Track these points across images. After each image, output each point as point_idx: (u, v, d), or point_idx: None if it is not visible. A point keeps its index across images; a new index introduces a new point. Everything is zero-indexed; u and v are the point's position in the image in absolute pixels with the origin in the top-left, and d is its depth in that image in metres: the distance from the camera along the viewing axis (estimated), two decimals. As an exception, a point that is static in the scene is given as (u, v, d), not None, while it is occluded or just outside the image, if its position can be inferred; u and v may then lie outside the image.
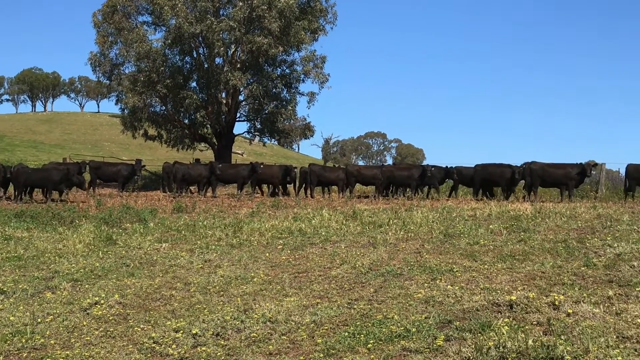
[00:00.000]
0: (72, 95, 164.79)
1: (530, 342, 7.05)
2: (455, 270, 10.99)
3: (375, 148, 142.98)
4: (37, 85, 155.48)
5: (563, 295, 8.95)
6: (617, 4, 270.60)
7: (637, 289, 9.07)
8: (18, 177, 26.60)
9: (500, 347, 7.07)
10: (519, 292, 9.26)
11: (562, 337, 7.32)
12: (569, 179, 23.94)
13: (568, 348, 6.89)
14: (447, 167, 27.59)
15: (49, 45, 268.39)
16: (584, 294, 8.99)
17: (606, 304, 8.52)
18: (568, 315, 8.13)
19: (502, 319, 8.18)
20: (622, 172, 26.91)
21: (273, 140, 48.54)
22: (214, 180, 29.71)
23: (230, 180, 31.03)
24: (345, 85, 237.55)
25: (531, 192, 24.51)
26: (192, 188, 32.10)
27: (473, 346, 7.24)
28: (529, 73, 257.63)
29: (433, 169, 27.25)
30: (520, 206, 19.29)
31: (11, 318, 10.23)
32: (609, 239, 12.59)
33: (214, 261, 13.50)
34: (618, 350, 6.86)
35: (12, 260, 14.53)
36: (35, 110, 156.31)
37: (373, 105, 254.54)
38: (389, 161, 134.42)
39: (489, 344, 7.17)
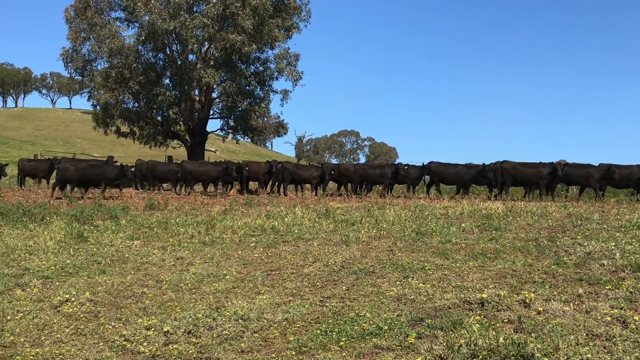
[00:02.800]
0: (44, 91, 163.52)
1: (501, 339, 7.10)
2: (427, 268, 11.03)
3: (348, 146, 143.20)
4: (8, 81, 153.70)
5: (534, 293, 9.02)
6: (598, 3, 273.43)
7: (606, 287, 9.17)
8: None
9: (472, 345, 7.12)
10: (490, 290, 9.32)
11: (533, 334, 7.39)
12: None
13: (538, 345, 6.95)
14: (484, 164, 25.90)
15: (20, 40, 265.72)
16: (555, 292, 9.07)
17: (576, 302, 8.60)
18: (538, 313, 8.20)
19: (473, 316, 8.24)
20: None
21: (246, 137, 48.45)
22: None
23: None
24: (319, 83, 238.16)
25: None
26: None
27: (444, 344, 7.28)
28: (502, 73, 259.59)
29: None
30: (492, 205, 19.40)
31: (-20, 316, 10.12)
32: (579, 237, 12.69)
33: (186, 259, 13.44)
34: (587, 348, 6.94)
35: (-19, 258, 14.35)
36: (6, 106, 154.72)
37: (346, 104, 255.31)
38: (362, 159, 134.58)
39: (461, 341, 7.22)
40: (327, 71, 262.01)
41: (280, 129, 47.59)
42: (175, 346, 8.27)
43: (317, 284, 10.73)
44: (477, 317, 8.19)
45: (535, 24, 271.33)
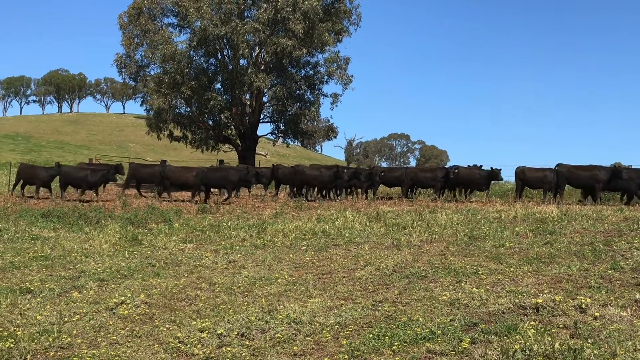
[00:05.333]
0: (98, 96, 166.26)
1: (557, 345, 7.00)
2: (480, 272, 10.93)
3: (398, 149, 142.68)
4: (63, 87, 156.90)
5: (590, 298, 8.88)
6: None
7: (665, 292, 8.98)
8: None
9: (527, 350, 7.02)
10: (545, 295, 9.20)
11: (589, 340, 7.26)
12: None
13: (595, 352, 6.83)
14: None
15: (75, 46, 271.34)
16: (611, 297, 8.91)
17: (634, 307, 8.44)
18: (595, 318, 8.06)
19: (528, 322, 8.13)
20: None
21: (296, 141, 48.51)
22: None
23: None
24: (369, 86, 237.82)
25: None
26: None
27: (499, 349, 7.20)
28: (555, 75, 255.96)
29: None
30: (546, 209, 19.14)
31: (38, 317, 10.30)
32: (636, 241, 12.45)
33: (239, 262, 13.53)
34: (646, 355, 6.80)
35: (39, 260, 14.65)
36: (61, 111, 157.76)
37: (396, 107, 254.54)
38: (412, 163, 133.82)
39: (515, 347, 7.13)
40: (377, 74, 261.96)
41: (330, 132, 47.38)
42: (228, 349, 8.33)
43: (369, 287, 10.71)
44: (532, 323, 8.08)
45: (575, 28, 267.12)
